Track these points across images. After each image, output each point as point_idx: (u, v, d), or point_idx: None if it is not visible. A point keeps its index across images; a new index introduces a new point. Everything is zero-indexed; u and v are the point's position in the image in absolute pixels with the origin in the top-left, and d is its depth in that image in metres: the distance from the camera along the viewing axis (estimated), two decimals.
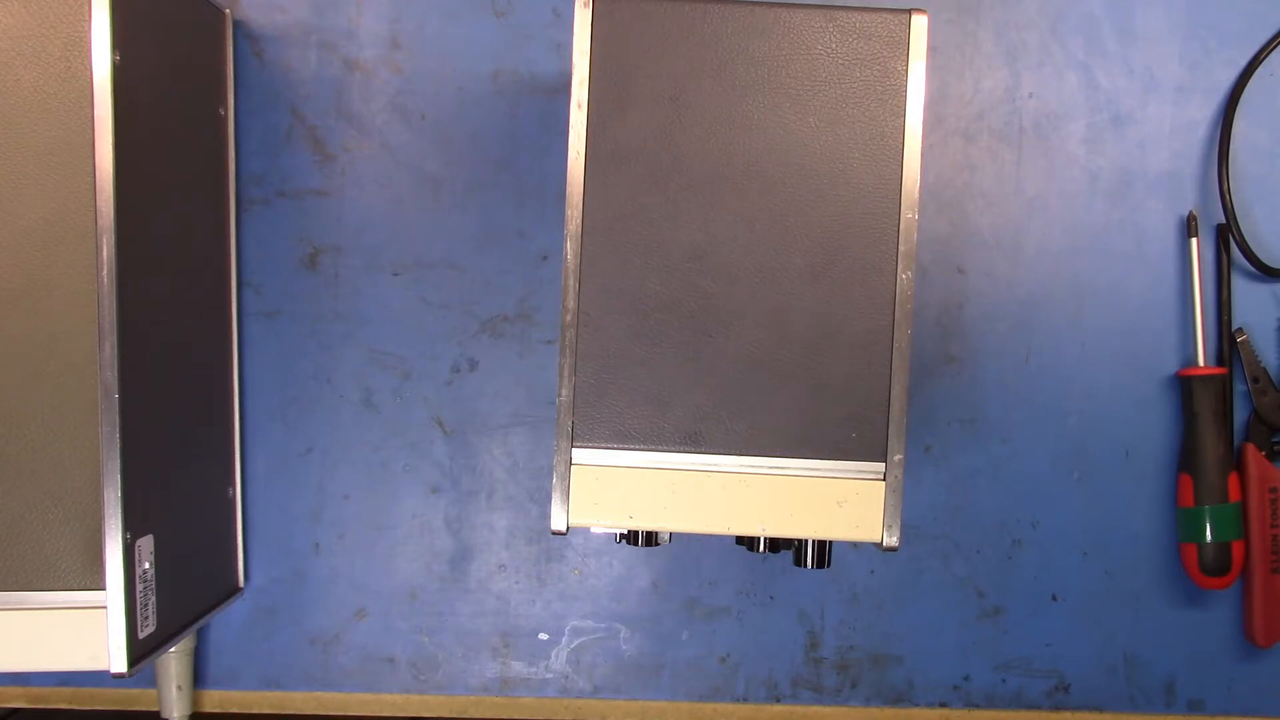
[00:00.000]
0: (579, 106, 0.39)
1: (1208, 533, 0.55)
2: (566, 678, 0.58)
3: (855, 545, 0.44)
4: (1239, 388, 0.57)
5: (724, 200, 0.42)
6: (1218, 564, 0.55)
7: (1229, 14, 0.57)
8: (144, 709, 0.57)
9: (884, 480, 0.42)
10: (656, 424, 0.42)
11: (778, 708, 0.58)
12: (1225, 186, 0.55)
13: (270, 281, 0.57)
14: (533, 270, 0.56)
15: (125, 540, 0.42)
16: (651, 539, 0.42)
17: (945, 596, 0.58)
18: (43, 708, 0.57)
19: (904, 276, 0.42)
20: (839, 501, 0.42)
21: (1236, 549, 0.55)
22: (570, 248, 0.40)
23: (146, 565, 0.44)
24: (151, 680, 0.55)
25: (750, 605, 0.58)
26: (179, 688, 0.54)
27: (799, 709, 0.58)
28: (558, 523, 0.41)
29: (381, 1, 0.56)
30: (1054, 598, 0.58)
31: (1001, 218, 0.57)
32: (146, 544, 0.44)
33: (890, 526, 0.42)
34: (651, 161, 0.42)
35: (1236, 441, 0.57)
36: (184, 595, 0.49)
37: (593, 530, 0.42)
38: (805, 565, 0.46)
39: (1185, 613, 0.58)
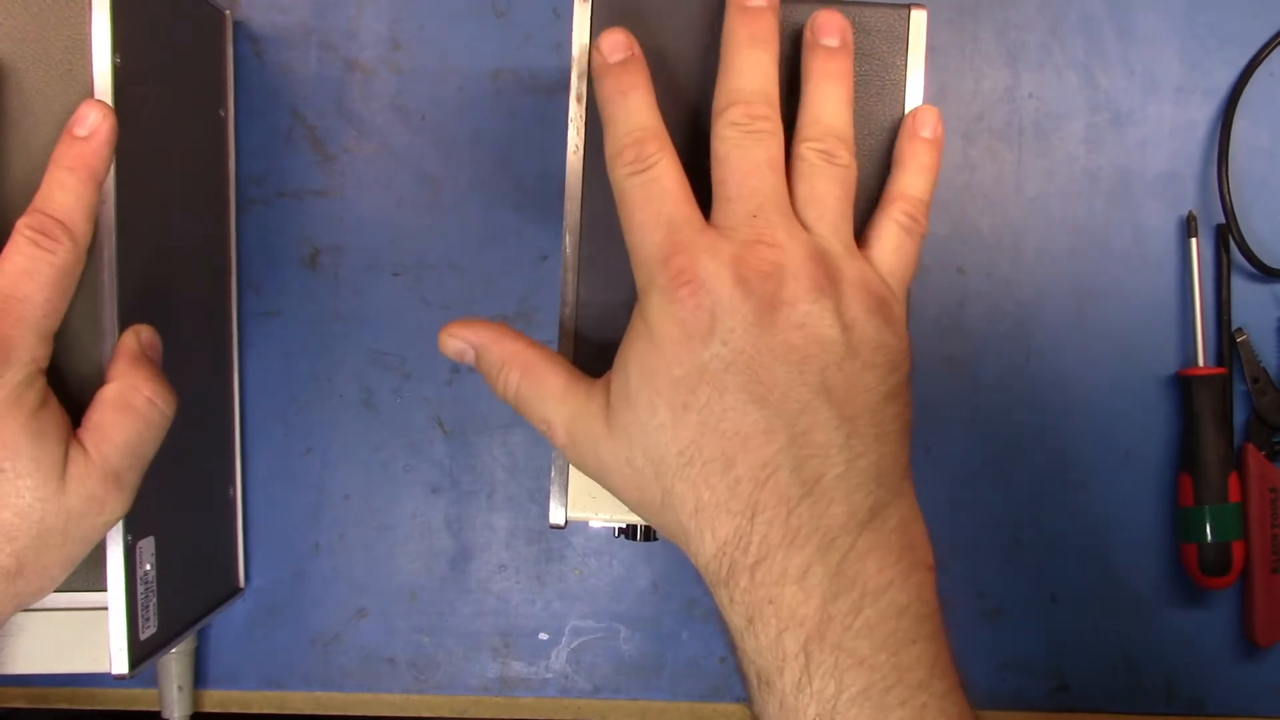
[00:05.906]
0: (578, 100, 0.39)
1: (1208, 533, 0.55)
2: (566, 678, 0.58)
3: None
4: (1239, 388, 0.57)
5: None
6: (1218, 564, 0.55)
7: (1229, 14, 0.57)
8: (144, 709, 0.57)
9: None
10: None
11: None
12: (1225, 186, 0.55)
13: (270, 281, 0.57)
14: (533, 270, 0.57)
15: (126, 542, 0.42)
16: (650, 533, 0.42)
17: (944, 596, 0.57)
18: (43, 708, 0.57)
19: None
20: None
21: (1236, 549, 0.55)
22: (569, 241, 0.40)
23: (148, 567, 0.44)
24: (152, 680, 0.55)
25: None
26: (180, 688, 0.55)
27: None
28: (556, 516, 0.40)
29: (381, 1, 0.56)
30: (1054, 598, 0.57)
31: (1001, 218, 0.57)
32: (147, 545, 0.44)
33: None
34: None
35: (1236, 441, 0.57)
36: (185, 596, 0.49)
37: (591, 524, 0.42)
38: None
39: (1185, 613, 0.58)
